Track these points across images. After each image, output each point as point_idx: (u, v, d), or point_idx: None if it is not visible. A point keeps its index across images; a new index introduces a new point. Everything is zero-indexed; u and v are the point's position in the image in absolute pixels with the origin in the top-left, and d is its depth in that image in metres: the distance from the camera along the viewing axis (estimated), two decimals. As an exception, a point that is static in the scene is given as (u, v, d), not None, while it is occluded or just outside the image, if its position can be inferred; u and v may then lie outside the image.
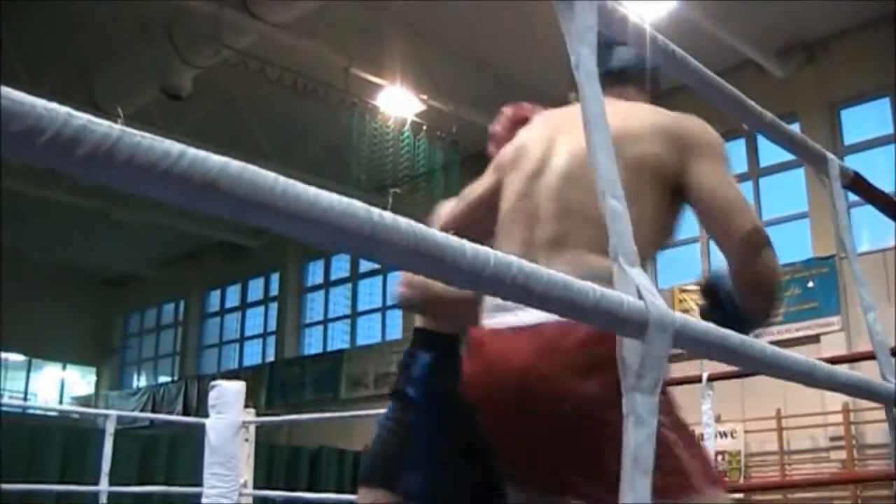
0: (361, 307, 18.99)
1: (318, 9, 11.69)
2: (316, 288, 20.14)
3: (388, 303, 18.36)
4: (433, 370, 2.82)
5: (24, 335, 22.23)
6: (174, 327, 23.49)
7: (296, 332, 20.11)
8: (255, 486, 7.07)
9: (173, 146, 0.78)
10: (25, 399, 24.50)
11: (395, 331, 18.03)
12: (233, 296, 21.89)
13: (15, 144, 0.72)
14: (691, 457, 1.94)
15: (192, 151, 0.79)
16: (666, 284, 13.38)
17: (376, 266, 18.53)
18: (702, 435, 5.96)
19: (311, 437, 15.06)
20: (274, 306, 20.81)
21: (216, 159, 0.80)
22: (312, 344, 19.81)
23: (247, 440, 7.15)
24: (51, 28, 12.21)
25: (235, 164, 0.81)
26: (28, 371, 25.23)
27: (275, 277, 20.87)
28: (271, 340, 20.67)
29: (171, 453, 12.49)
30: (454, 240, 1.02)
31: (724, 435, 12.37)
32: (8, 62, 12.03)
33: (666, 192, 2.11)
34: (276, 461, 13.01)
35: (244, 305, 21.67)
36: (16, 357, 24.85)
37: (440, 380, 2.71)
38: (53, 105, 0.72)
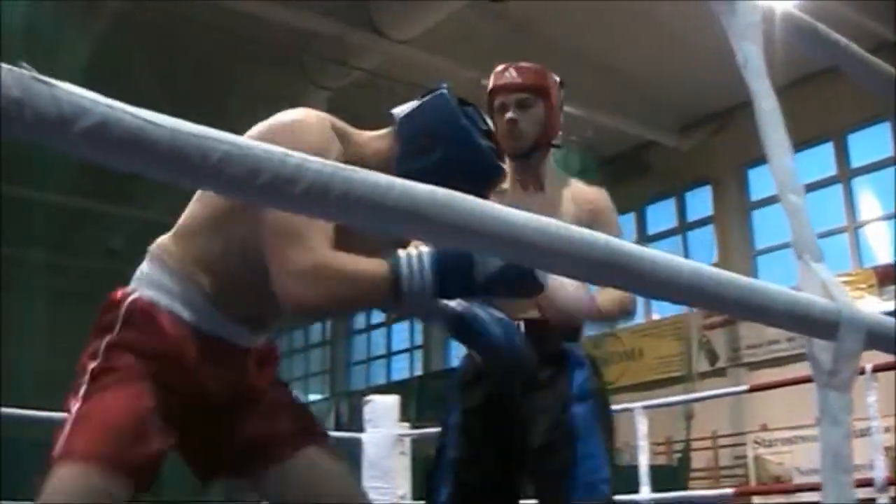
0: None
1: (443, 23, 11.75)
2: (462, 300, 20.22)
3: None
4: None
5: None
6: (322, 346, 23.86)
7: (441, 345, 20.22)
8: (413, 498, 7.13)
9: (382, 178, 0.80)
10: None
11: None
12: (378, 312, 22.17)
13: (237, 185, 0.74)
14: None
15: (400, 182, 0.80)
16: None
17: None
18: (866, 430, 5.77)
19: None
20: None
21: (423, 188, 0.82)
22: (460, 355, 19.85)
23: (402, 453, 7.22)
24: (187, 61, 12.56)
25: (441, 192, 0.83)
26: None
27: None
28: (418, 354, 20.82)
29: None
30: (647, 251, 1.02)
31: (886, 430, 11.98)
32: (152, 96, 12.42)
33: None
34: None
35: (390, 321, 21.90)
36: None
37: None
38: (269, 147, 0.75)
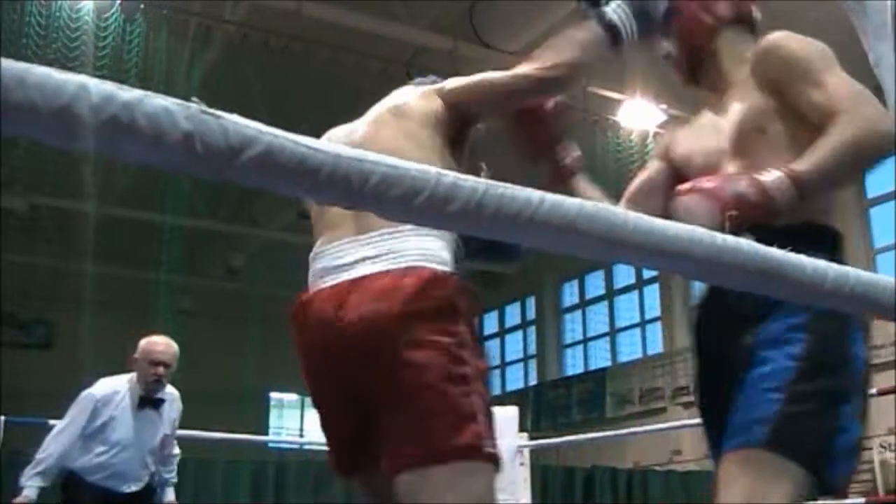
0: (620, 324, 18.86)
1: (549, 32, 11.74)
2: (573, 308, 20.14)
3: (647, 317, 18.15)
4: None
5: (296, 376, 23.26)
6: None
7: (557, 353, 20.17)
8: (534, 508, 7.11)
9: (533, 194, 0.81)
10: (301, 436, 25.57)
11: (656, 345, 17.81)
12: (491, 322, 22.18)
13: (396, 206, 0.77)
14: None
15: (550, 197, 0.82)
16: None
17: (632, 281, 18.39)
18: None
19: (581, 457, 15.04)
20: (532, 330, 20.95)
21: (572, 202, 0.83)
22: (575, 364, 19.80)
23: (522, 464, 7.21)
24: (299, 86, 12.77)
25: (589, 205, 0.84)
26: (301, 409, 26.33)
27: (531, 301, 21.02)
28: (532, 364, 20.80)
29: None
30: (793, 256, 1.01)
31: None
32: (263, 119, 12.66)
33: None
34: (550, 483, 13.05)
35: (503, 331, 21.92)
36: (290, 397, 26.00)
37: None
38: (424, 167, 0.76)
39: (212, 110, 0.70)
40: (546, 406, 18.94)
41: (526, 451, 7.29)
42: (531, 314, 21.05)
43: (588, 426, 16.39)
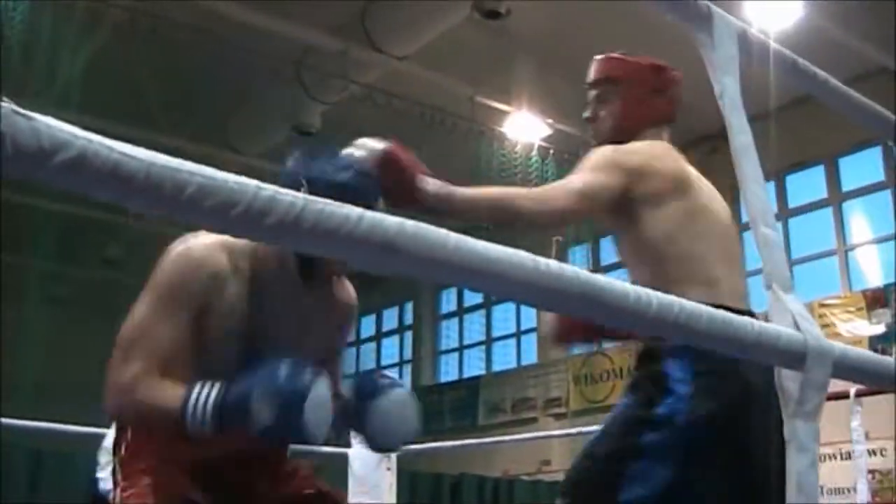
0: (496, 333, 18.99)
1: (440, 39, 11.80)
2: (450, 315, 20.22)
3: (523, 328, 18.32)
4: None
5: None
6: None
7: (432, 359, 20.21)
8: (401, 512, 7.12)
9: (353, 211, 0.82)
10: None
11: (531, 356, 17.98)
12: (368, 326, 22.11)
13: (211, 216, 0.77)
14: None
15: (370, 215, 0.83)
16: (806, 298, 13.06)
17: (509, 291, 18.53)
18: (850, 453, 5.80)
19: (451, 464, 15.11)
20: (409, 335, 20.97)
21: (392, 220, 0.84)
22: (449, 371, 19.87)
23: (389, 469, 7.22)
24: (186, 76, 12.60)
25: (410, 224, 0.85)
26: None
27: (409, 307, 21.03)
28: (408, 369, 20.80)
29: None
30: (617, 283, 1.04)
31: (874, 453, 11.98)
32: (149, 112, 12.44)
33: None
34: (418, 489, 13.08)
35: (380, 335, 21.88)
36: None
37: None
38: (243, 179, 0.77)
39: (24, 111, 0.70)
40: (418, 412, 18.95)
41: (393, 456, 7.29)
42: (409, 319, 21.06)
43: (460, 433, 16.44)
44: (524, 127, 13.50)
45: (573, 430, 11.08)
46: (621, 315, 1.05)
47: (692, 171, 2.73)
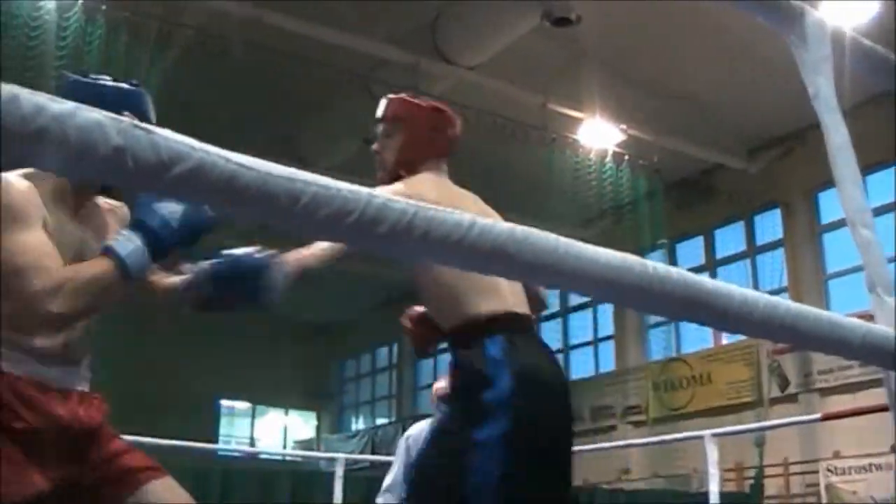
0: (573, 341, 18.91)
1: (509, 49, 11.80)
2: (525, 324, 20.15)
3: (600, 335, 18.22)
4: None
5: (248, 384, 23.33)
6: (389, 370, 23.95)
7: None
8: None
9: (463, 217, 0.82)
10: (252, 444, 25.43)
11: (609, 363, 17.88)
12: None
13: (325, 226, 0.77)
14: None
15: (481, 221, 0.82)
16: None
17: (585, 299, 18.46)
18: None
19: (529, 473, 15.02)
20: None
21: (502, 227, 0.84)
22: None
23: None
24: (256, 92, 12.74)
25: (520, 230, 0.85)
26: (252, 417, 26.18)
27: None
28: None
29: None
30: (723, 286, 1.03)
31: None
32: (219, 127, 12.59)
33: None
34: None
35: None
36: (241, 405, 25.87)
37: None
38: (356, 187, 0.77)
39: (143, 125, 0.70)
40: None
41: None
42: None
43: (538, 443, 16.38)
44: (597, 133, 13.43)
45: (654, 439, 11.03)
46: (727, 317, 1.04)
47: (462, 196, 3.09)
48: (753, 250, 15.96)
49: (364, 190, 0.78)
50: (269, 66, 11.81)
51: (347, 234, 0.78)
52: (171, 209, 2.19)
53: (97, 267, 2.28)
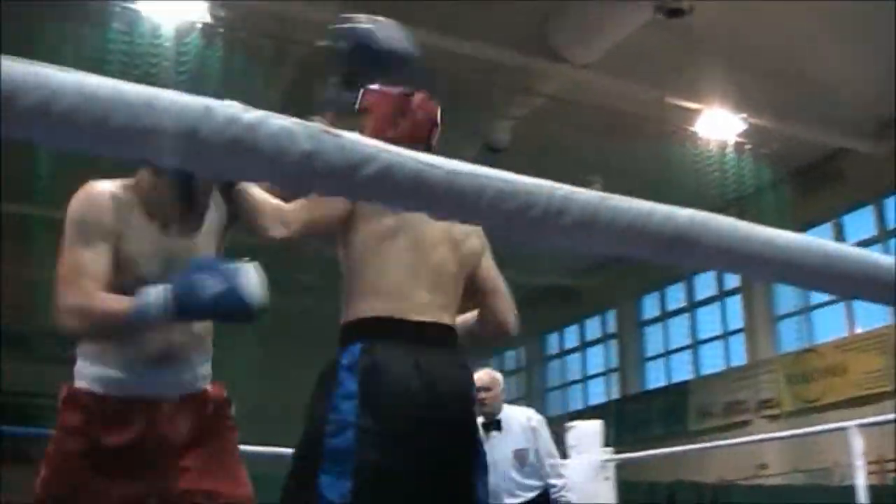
0: (702, 335, 18.63)
1: (623, 44, 11.69)
2: (654, 321, 19.93)
3: (730, 329, 17.90)
4: None
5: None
6: (518, 372, 23.89)
7: (637, 367, 19.98)
8: (621, 526, 7.05)
9: (642, 205, 0.81)
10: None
11: (740, 357, 17.57)
12: (571, 337, 22.05)
13: (510, 219, 0.77)
14: None
15: (660, 207, 0.81)
16: None
17: (713, 293, 18.18)
18: None
19: (663, 471, 14.88)
20: (613, 343, 20.79)
21: (682, 213, 0.83)
22: (656, 377, 19.60)
23: (607, 478, 7.17)
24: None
25: (700, 215, 0.84)
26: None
27: (611, 315, 20.86)
28: (614, 378, 20.63)
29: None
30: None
31: None
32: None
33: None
34: (634, 498, 12.93)
35: (584, 344, 21.78)
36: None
37: None
38: (538, 181, 0.77)
39: (331, 129, 0.71)
40: (627, 420, 18.75)
41: (611, 466, 7.24)
42: (612, 327, 20.88)
43: (670, 440, 16.20)
44: (717, 124, 13.21)
45: (796, 431, 10.77)
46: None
47: None
48: (885, 234, 15.50)
49: (546, 183, 0.78)
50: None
51: (532, 227, 0.78)
52: (211, 286, 2.31)
53: (117, 306, 2.39)
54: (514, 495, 5.93)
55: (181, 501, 2.54)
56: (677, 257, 0.85)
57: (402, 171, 0.73)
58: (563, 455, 7.16)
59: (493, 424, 5.98)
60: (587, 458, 7.06)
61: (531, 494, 5.97)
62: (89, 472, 2.49)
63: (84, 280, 2.42)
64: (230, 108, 0.69)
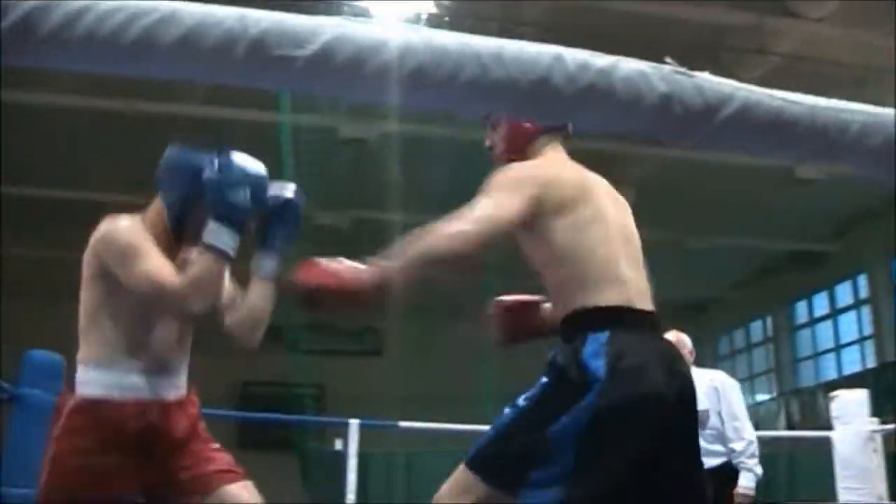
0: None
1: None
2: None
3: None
4: None
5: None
6: (765, 344, 23.17)
7: (894, 332, 18.98)
8: (890, 499, 6.70)
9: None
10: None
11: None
12: (821, 303, 21.18)
13: (875, 154, 0.72)
14: None
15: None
16: None
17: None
18: None
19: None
20: (866, 309, 19.80)
21: None
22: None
23: (875, 451, 6.84)
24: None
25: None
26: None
27: (862, 279, 19.87)
28: (869, 345, 19.67)
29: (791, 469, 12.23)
30: None
31: None
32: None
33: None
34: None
35: (834, 312, 20.86)
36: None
37: None
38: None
39: (684, 69, 0.68)
40: (887, 390, 17.83)
41: (878, 437, 6.91)
42: (864, 293, 19.89)
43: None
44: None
45: None
46: None
47: (590, 176, 2.89)
48: None
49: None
50: (611, 46, 11.78)
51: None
52: (233, 178, 2.72)
53: (203, 262, 2.71)
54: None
55: (189, 488, 2.81)
56: None
57: (760, 108, 0.68)
58: (817, 426, 6.90)
59: None
60: (853, 430, 6.76)
61: (714, 461, 5.35)
62: (94, 475, 2.71)
63: (165, 271, 2.73)
64: (580, 54, 0.66)
